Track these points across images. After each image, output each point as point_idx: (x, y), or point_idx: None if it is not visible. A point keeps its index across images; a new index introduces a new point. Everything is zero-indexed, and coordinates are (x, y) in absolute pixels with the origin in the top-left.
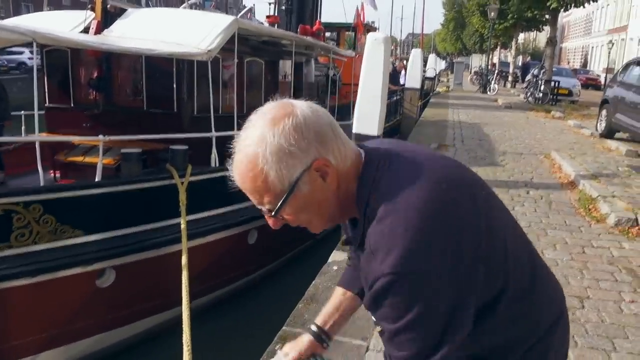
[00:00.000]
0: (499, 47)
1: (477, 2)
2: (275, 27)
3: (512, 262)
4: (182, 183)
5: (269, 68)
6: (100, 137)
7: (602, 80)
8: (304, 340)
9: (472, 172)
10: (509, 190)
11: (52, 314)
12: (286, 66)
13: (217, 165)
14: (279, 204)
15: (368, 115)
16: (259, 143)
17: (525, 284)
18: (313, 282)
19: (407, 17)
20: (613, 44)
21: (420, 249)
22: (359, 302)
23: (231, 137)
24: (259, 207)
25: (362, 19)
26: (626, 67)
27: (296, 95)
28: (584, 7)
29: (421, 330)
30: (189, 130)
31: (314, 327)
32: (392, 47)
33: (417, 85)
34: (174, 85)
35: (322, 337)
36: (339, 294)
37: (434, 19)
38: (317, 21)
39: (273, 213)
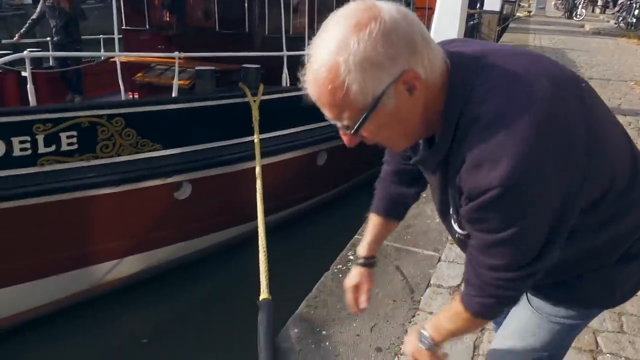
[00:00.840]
0: None
1: None
2: None
3: (617, 164)
4: (255, 101)
5: None
6: (176, 53)
7: None
8: (360, 272)
9: (570, 70)
10: None
11: (134, 222)
12: None
13: (288, 85)
14: (360, 120)
15: (446, 37)
16: (340, 51)
17: (625, 182)
18: None
19: None
20: None
21: (533, 160)
22: (396, 225)
23: (302, 57)
24: (335, 123)
25: None
26: None
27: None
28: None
29: (521, 243)
30: (261, 51)
31: (361, 260)
32: None
33: (497, 9)
34: (246, 5)
35: (372, 262)
36: (377, 223)
37: None
38: None
39: (352, 131)
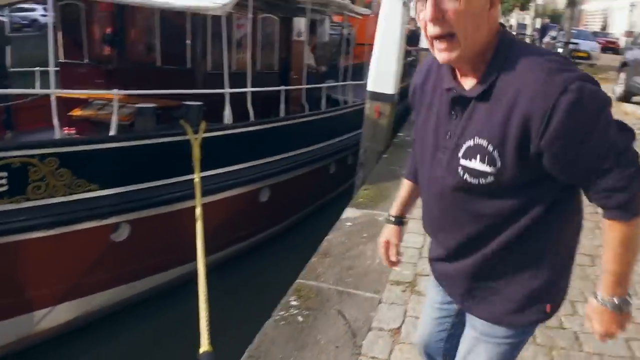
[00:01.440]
0: (517, 9)
1: None
2: None
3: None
4: (196, 139)
5: (283, 25)
6: (115, 91)
7: (622, 43)
8: (390, 230)
9: None
10: None
11: (69, 266)
12: (300, 24)
13: (231, 122)
14: None
15: (384, 73)
16: None
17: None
18: (327, 237)
19: None
20: (634, 7)
21: (572, 66)
22: None
23: (244, 95)
24: None
25: None
26: None
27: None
28: None
29: (612, 124)
30: (204, 87)
31: (392, 218)
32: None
33: None
34: (189, 42)
35: (402, 220)
36: (407, 188)
37: None
38: None
39: None
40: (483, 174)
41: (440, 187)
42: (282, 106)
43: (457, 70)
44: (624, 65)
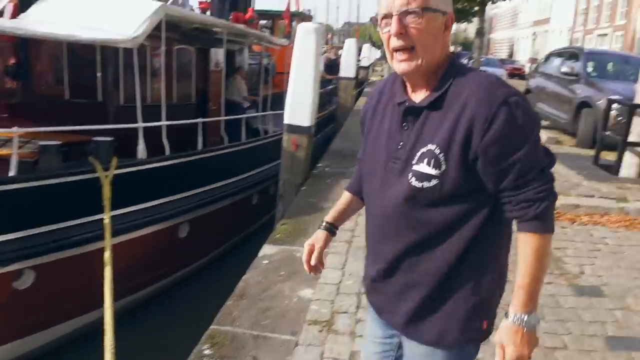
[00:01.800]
0: None
1: None
2: (208, 13)
3: None
4: (107, 176)
5: (200, 56)
6: (15, 129)
7: (527, 70)
8: (319, 234)
9: None
10: None
11: None
12: (218, 54)
13: (145, 157)
14: (427, 7)
15: (300, 105)
16: None
17: None
18: (243, 278)
19: (343, 6)
20: (537, 36)
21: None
22: (361, 205)
23: (159, 128)
24: (402, 8)
25: (297, 7)
26: (547, 58)
27: (229, 83)
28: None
29: (539, 142)
30: (116, 121)
31: (324, 224)
32: (329, 37)
33: (352, 75)
34: (99, 74)
35: (334, 229)
36: (347, 198)
37: (370, 9)
38: (250, 8)
39: (419, 9)
40: (427, 177)
41: (388, 196)
42: (200, 139)
43: (408, 86)
44: (528, 92)
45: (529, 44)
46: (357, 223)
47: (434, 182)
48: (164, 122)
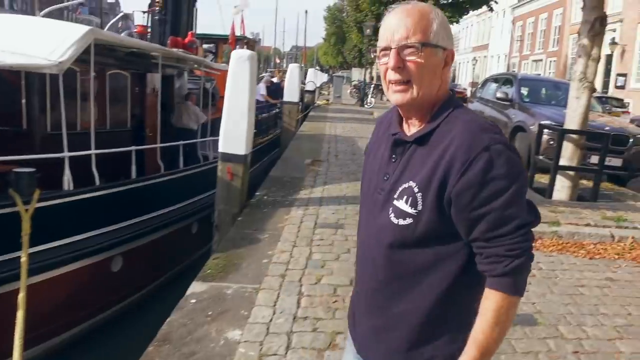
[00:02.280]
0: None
1: (354, 19)
2: (148, 37)
3: None
4: (27, 210)
5: (136, 81)
6: None
7: (468, 93)
8: None
9: None
10: None
11: None
12: (155, 79)
13: (71, 188)
14: (427, 42)
15: (234, 133)
16: (430, 7)
17: None
18: (167, 320)
19: (291, 30)
20: (477, 61)
21: (502, 134)
22: None
23: (88, 157)
24: (401, 42)
25: (242, 31)
26: (484, 83)
27: (167, 109)
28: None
29: (523, 198)
30: (42, 150)
31: None
32: (277, 60)
33: (296, 99)
34: (24, 100)
35: None
36: None
37: (317, 33)
38: (190, 33)
39: (418, 44)
40: (403, 214)
41: (371, 227)
42: (134, 167)
43: (404, 120)
44: None
45: (470, 68)
46: (292, 255)
47: (408, 220)
48: (92, 151)
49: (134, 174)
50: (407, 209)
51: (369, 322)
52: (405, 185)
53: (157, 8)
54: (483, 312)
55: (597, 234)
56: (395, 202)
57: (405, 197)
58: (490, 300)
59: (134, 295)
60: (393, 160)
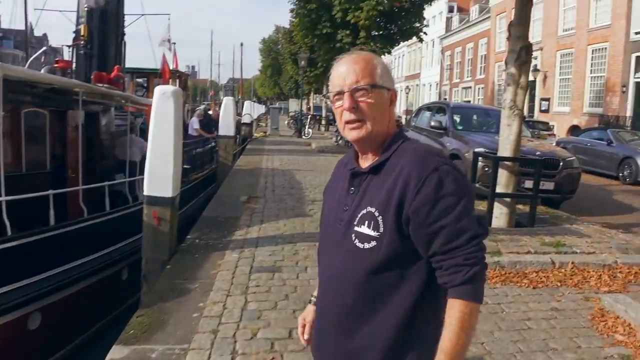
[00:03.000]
0: (312, 92)
1: (289, 51)
2: (69, 71)
3: None
4: None
5: (55, 119)
6: None
7: (403, 121)
8: (309, 309)
9: None
10: (315, 243)
11: None
12: (78, 116)
13: None
14: (374, 84)
15: (160, 175)
16: (372, 54)
17: None
18: None
19: (228, 63)
20: (410, 89)
21: (448, 158)
22: None
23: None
24: (352, 86)
25: (175, 65)
26: (418, 112)
27: (92, 147)
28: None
29: (472, 212)
30: None
31: (312, 298)
32: (212, 93)
33: (231, 133)
34: None
35: None
36: None
37: (253, 65)
38: (116, 67)
39: (368, 86)
40: (367, 238)
41: (333, 257)
42: (52, 212)
43: (360, 156)
44: None
45: (403, 96)
46: (225, 307)
47: (372, 243)
48: (2, 198)
49: (52, 220)
50: (370, 232)
51: (340, 349)
52: (364, 211)
53: (82, 42)
54: (448, 321)
55: (539, 262)
56: (356, 228)
57: (366, 222)
58: (454, 309)
59: (55, 355)
60: (351, 192)
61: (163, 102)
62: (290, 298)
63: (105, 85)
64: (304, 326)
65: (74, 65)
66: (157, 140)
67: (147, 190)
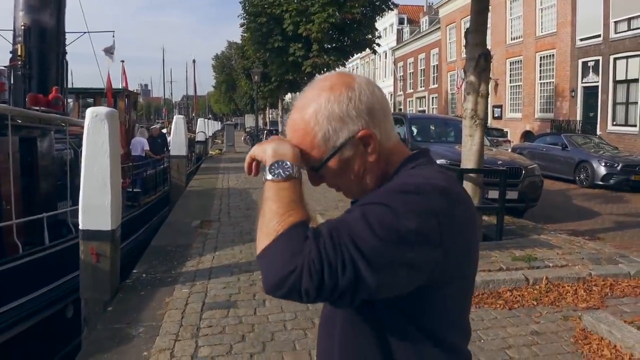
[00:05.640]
0: (268, 107)
1: (242, 66)
2: (4, 94)
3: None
4: None
5: None
6: None
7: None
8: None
9: None
10: None
11: None
12: (13, 142)
13: None
14: (322, 162)
15: (95, 206)
16: (314, 104)
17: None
18: None
19: (181, 80)
20: (391, 95)
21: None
22: None
23: None
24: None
25: (125, 84)
26: None
27: (27, 174)
28: (335, 70)
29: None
30: None
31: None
32: (164, 111)
33: (183, 152)
34: None
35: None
36: None
37: (207, 81)
38: (54, 88)
39: (316, 169)
40: None
41: None
42: None
43: None
44: None
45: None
46: (173, 355)
47: None
48: None
49: None
50: None
51: None
52: None
53: (19, 63)
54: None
55: (512, 279)
56: None
57: None
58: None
59: None
60: None
61: (96, 126)
62: (247, 339)
63: (42, 108)
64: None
65: (11, 87)
66: (90, 167)
67: (82, 224)
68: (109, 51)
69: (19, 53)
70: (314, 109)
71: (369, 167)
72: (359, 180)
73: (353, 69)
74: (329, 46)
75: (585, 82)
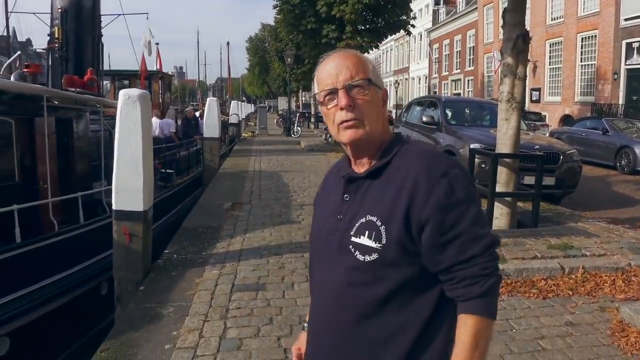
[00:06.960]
0: (301, 90)
1: (275, 48)
2: (39, 76)
3: None
4: None
5: (23, 127)
6: None
7: (394, 115)
8: (302, 337)
9: None
10: (303, 254)
11: None
12: (49, 124)
13: None
14: (370, 80)
15: (128, 187)
16: (364, 57)
17: None
18: None
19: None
20: (399, 83)
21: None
22: None
23: None
24: (347, 82)
25: (159, 67)
26: (409, 107)
27: (64, 154)
28: (368, 52)
29: (484, 217)
30: None
31: (305, 325)
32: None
33: (216, 134)
34: None
35: None
36: None
37: (242, 64)
38: (89, 70)
39: (365, 82)
40: (368, 250)
41: (328, 271)
42: (17, 229)
43: (352, 160)
44: None
45: (393, 91)
46: (202, 335)
47: (374, 256)
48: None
49: (18, 237)
50: (371, 244)
51: None
52: (363, 220)
53: (56, 45)
54: (461, 338)
55: (546, 268)
56: (354, 239)
57: (367, 232)
58: (467, 326)
59: None
60: (346, 199)
61: (129, 108)
62: (275, 322)
63: (77, 89)
64: (299, 357)
65: (49, 69)
66: (123, 149)
67: (115, 205)
68: (147, 42)
69: (57, 36)
70: (363, 55)
71: (382, 117)
72: (376, 120)
73: (387, 51)
74: (363, 27)
75: (629, 64)
